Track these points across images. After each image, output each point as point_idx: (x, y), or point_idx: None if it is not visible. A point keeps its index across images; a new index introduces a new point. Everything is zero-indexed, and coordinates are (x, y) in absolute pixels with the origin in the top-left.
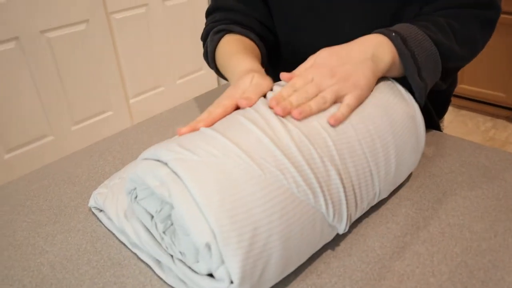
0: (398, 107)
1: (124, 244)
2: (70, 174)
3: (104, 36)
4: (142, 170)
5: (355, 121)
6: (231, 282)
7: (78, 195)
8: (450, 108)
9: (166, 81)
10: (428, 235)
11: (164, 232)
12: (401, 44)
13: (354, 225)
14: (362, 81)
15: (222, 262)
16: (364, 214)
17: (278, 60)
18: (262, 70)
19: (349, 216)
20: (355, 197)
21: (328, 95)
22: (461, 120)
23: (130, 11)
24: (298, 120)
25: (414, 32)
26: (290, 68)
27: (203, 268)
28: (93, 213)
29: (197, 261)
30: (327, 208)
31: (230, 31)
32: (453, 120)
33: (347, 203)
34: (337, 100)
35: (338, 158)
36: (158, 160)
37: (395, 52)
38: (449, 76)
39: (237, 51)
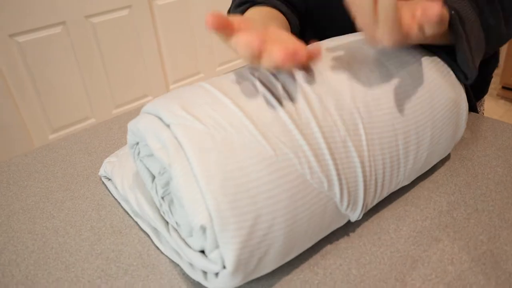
0: (443, 91)
1: (128, 213)
2: (88, 144)
3: (146, 22)
4: (144, 126)
5: (393, 104)
6: (224, 267)
7: (92, 165)
8: (501, 102)
9: (206, 67)
10: (451, 221)
11: (163, 198)
12: (458, 24)
13: None
14: None
15: (217, 246)
16: None
17: (302, 31)
18: None
19: (365, 205)
20: (376, 186)
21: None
22: None
23: None
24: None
25: (467, 11)
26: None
27: (196, 244)
28: (103, 182)
29: (191, 235)
30: (341, 197)
31: (255, 2)
32: (503, 115)
33: (364, 193)
34: None
35: (365, 144)
36: (161, 119)
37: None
38: (487, 55)
39: (260, 19)
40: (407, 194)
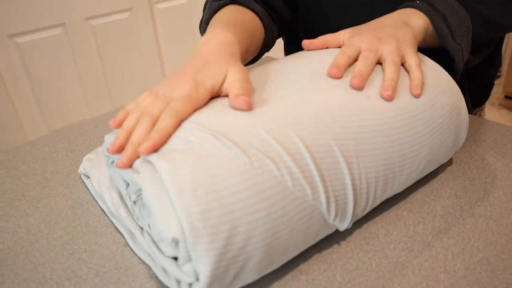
0: (442, 98)
1: (104, 212)
2: (71, 142)
3: (147, 25)
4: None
5: (389, 115)
6: (197, 279)
7: (73, 163)
8: (504, 111)
9: None
10: (445, 226)
11: (134, 203)
12: (429, 7)
13: None
14: (408, 39)
15: (190, 259)
16: None
17: (296, 37)
18: (236, 51)
19: (355, 216)
20: (368, 196)
21: (396, 58)
22: None
23: (174, 1)
24: (388, 100)
25: None
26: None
27: (168, 251)
28: (82, 179)
29: (163, 241)
30: (328, 206)
31: (233, 1)
32: (507, 123)
33: (354, 202)
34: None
35: (353, 149)
36: None
37: (425, 17)
38: (481, 48)
39: (226, 21)
40: (399, 197)
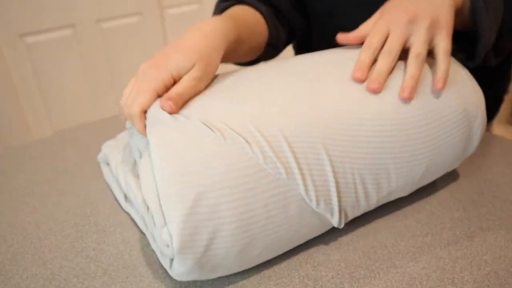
0: (448, 102)
1: (118, 202)
2: (80, 141)
3: (156, 30)
4: None
5: (382, 111)
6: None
7: (82, 162)
8: (511, 129)
9: None
10: (454, 238)
11: None
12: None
13: (365, 217)
14: (444, 14)
15: (165, 222)
16: (379, 206)
17: (308, 45)
18: (221, 40)
19: (342, 209)
20: (356, 190)
21: (422, 49)
22: None
23: (184, 7)
24: (407, 99)
25: None
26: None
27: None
28: (91, 178)
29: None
30: (306, 190)
31: (241, 1)
32: None
33: (338, 194)
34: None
35: (338, 137)
36: None
37: None
38: (499, 51)
39: (227, 14)
40: (407, 208)
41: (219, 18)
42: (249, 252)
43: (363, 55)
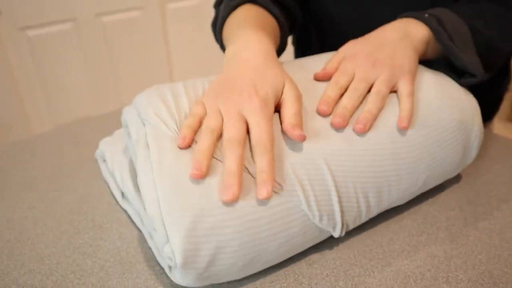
0: (445, 113)
1: (115, 199)
2: (79, 137)
3: (157, 25)
4: (129, 117)
5: (383, 125)
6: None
7: (81, 158)
8: (511, 126)
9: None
10: (449, 237)
11: None
12: (434, 22)
13: None
14: (407, 61)
15: (168, 239)
16: None
17: (308, 42)
18: (276, 56)
19: (344, 223)
20: (358, 201)
21: (383, 88)
22: None
23: (185, 2)
24: (360, 131)
25: (447, 14)
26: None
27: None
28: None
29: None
30: (309, 205)
31: (250, 0)
32: None
33: (341, 208)
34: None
35: (340, 152)
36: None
37: (428, 29)
38: (489, 66)
39: (250, 22)
40: (403, 207)
41: (257, 32)
42: (251, 267)
43: (330, 90)
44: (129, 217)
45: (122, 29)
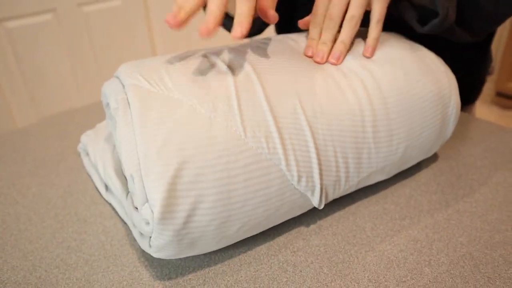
0: (423, 84)
1: (99, 192)
2: (62, 130)
3: (139, 13)
4: (109, 88)
5: (359, 88)
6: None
7: (64, 151)
8: (495, 108)
9: None
10: (431, 221)
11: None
12: None
13: (345, 201)
14: None
15: (147, 199)
16: (359, 190)
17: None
18: None
19: (323, 188)
20: (337, 165)
21: (356, 12)
22: (507, 121)
23: None
24: (335, 64)
25: None
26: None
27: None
28: (73, 172)
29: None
30: (287, 165)
31: None
32: (497, 120)
33: (320, 171)
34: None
35: (321, 116)
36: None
37: None
38: (473, 30)
39: None
40: (387, 191)
41: None
42: (228, 227)
43: (311, 31)
44: (113, 210)
45: (104, 19)
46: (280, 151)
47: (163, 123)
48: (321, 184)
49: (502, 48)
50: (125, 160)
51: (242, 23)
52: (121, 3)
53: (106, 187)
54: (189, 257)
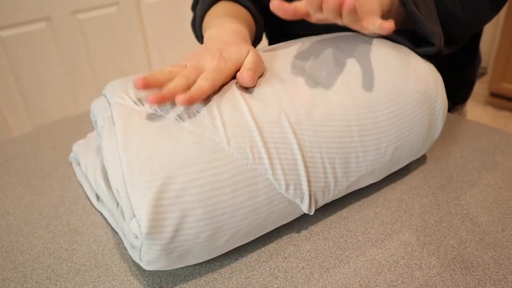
0: (409, 84)
1: (90, 201)
2: (54, 139)
3: (133, 20)
4: (96, 107)
5: (344, 94)
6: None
7: (56, 160)
8: (488, 108)
9: None
10: (422, 224)
11: None
12: None
13: (336, 205)
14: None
15: (134, 215)
16: (350, 194)
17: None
18: (248, 37)
19: (312, 194)
20: (326, 174)
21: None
22: (501, 122)
23: None
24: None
25: None
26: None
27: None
28: (64, 181)
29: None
30: (274, 174)
31: None
32: (491, 121)
33: (308, 178)
34: None
35: (305, 122)
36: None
37: None
38: (451, 39)
39: (225, 14)
40: (377, 195)
41: (230, 20)
42: (217, 239)
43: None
44: (104, 219)
45: (98, 26)
46: (266, 160)
47: (147, 140)
48: (310, 191)
49: (495, 48)
50: (111, 176)
51: (191, 96)
52: (115, 10)
53: (98, 197)
54: None
